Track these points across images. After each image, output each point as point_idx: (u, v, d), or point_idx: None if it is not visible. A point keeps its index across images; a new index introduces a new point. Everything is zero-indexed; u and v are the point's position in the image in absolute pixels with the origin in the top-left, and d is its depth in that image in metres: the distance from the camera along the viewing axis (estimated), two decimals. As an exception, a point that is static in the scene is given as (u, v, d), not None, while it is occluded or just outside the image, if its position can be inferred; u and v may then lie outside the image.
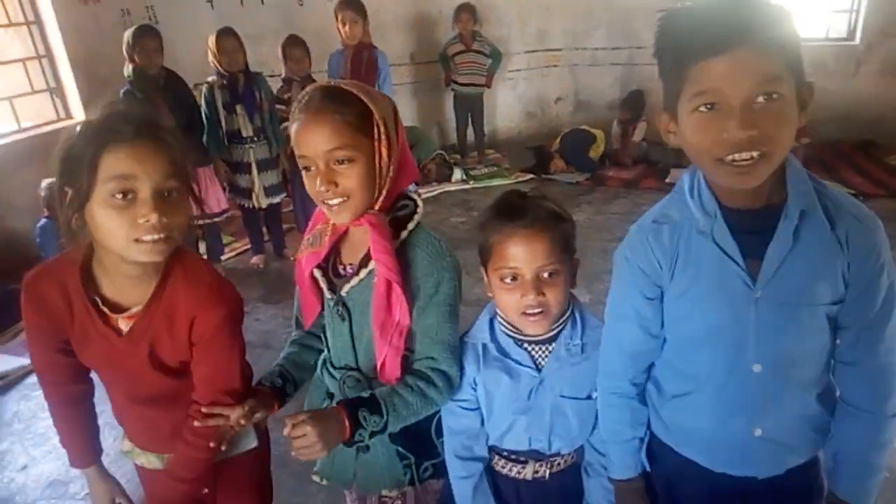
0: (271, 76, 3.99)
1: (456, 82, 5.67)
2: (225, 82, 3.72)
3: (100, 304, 1.12)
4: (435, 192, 5.18)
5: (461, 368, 1.20)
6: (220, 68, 3.71)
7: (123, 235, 1.03)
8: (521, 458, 1.22)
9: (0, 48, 4.47)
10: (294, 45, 3.86)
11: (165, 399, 1.21)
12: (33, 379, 2.87)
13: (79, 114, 4.78)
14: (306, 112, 1.11)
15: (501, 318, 1.19)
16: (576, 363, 1.17)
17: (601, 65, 6.43)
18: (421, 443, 1.27)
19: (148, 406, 1.22)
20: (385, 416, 1.12)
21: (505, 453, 1.24)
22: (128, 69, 3.48)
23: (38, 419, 2.72)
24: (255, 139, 3.78)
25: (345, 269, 1.21)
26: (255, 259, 4.07)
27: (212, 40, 3.71)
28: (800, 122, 0.91)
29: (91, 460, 1.33)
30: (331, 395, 1.30)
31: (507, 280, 1.11)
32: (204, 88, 3.81)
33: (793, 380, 1.02)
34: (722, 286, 0.99)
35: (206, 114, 3.78)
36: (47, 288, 1.12)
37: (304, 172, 1.14)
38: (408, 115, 5.92)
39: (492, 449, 1.25)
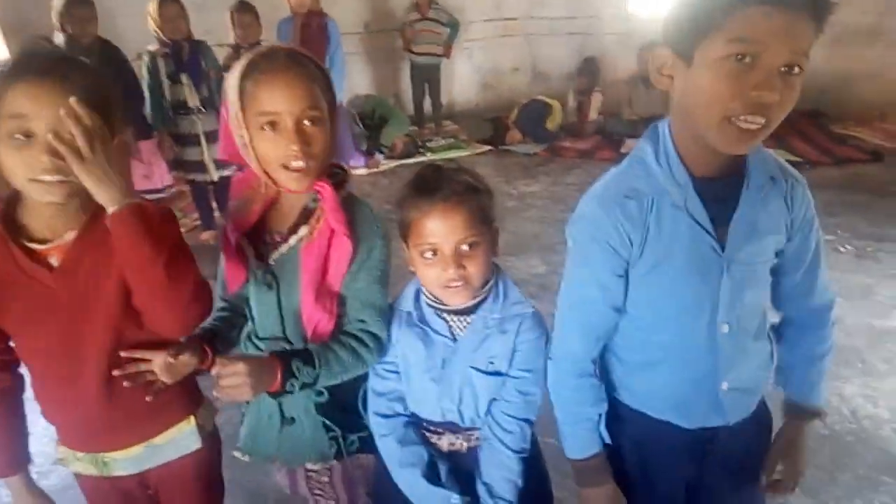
0: (218, 45, 3.82)
1: (412, 52, 5.57)
2: (168, 51, 3.55)
3: (26, 243, 1.05)
4: (392, 166, 5.10)
5: (389, 332, 1.21)
6: (161, 36, 3.54)
7: (21, 174, 0.98)
8: (438, 430, 1.23)
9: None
10: (243, 11, 3.71)
11: (103, 362, 1.08)
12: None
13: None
14: (272, 68, 1.07)
15: (424, 290, 1.20)
16: (491, 336, 1.17)
17: (558, 34, 6.41)
18: (347, 415, 1.25)
19: (81, 378, 1.09)
20: (317, 369, 1.11)
21: (424, 423, 1.25)
22: (58, 38, 3.29)
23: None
24: (203, 110, 3.62)
25: (272, 237, 1.18)
26: (205, 235, 3.94)
27: (153, 7, 3.53)
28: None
29: (17, 468, 1.19)
30: None
31: (428, 255, 1.11)
32: (146, 58, 3.63)
33: (750, 332, 1.08)
34: (695, 257, 1.01)
35: (148, 85, 3.60)
36: None
37: (260, 132, 1.07)
38: (363, 86, 5.80)
39: (419, 421, 1.25)
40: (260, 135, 1.08)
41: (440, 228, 1.08)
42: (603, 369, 1.18)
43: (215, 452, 1.32)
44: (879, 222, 3.75)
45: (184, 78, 3.57)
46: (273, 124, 1.07)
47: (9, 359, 1.15)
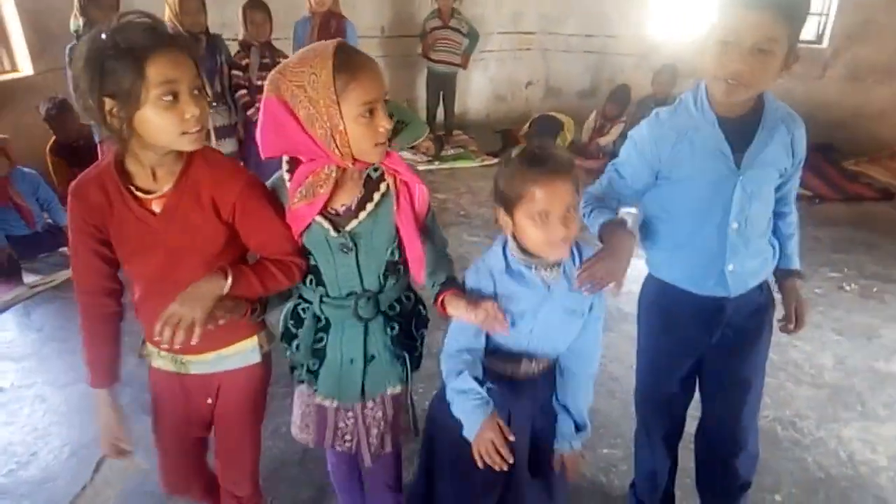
0: (231, 40, 3.82)
1: (430, 59, 5.57)
2: (184, 43, 3.55)
3: (134, 191, 1.29)
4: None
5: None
6: (179, 29, 3.53)
7: (173, 130, 1.20)
8: (516, 359, 1.47)
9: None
10: (256, 8, 3.68)
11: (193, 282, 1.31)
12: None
13: (26, 66, 4.53)
14: (361, 63, 1.24)
15: (515, 250, 1.38)
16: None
17: (574, 52, 6.40)
18: (406, 340, 1.51)
19: (176, 289, 1.28)
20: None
21: (505, 352, 1.47)
22: (76, 23, 3.27)
23: None
24: (215, 104, 3.61)
25: (337, 213, 1.37)
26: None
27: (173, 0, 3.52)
28: (780, 75, 1.36)
29: (109, 382, 1.43)
30: (324, 329, 1.47)
31: (540, 218, 1.29)
32: (160, 49, 3.63)
33: (755, 231, 1.51)
34: (715, 174, 1.45)
35: (162, 75, 3.61)
36: (89, 189, 1.30)
37: (359, 119, 1.24)
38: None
39: (491, 352, 1.47)
40: (358, 121, 1.23)
41: (552, 195, 1.28)
42: (646, 253, 1.65)
43: (267, 371, 1.55)
44: (887, 262, 3.71)
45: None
46: (372, 112, 1.24)
47: (118, 288, 1.42)
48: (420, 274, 1.42)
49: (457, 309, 1.37)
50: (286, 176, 1.35)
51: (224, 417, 1.53)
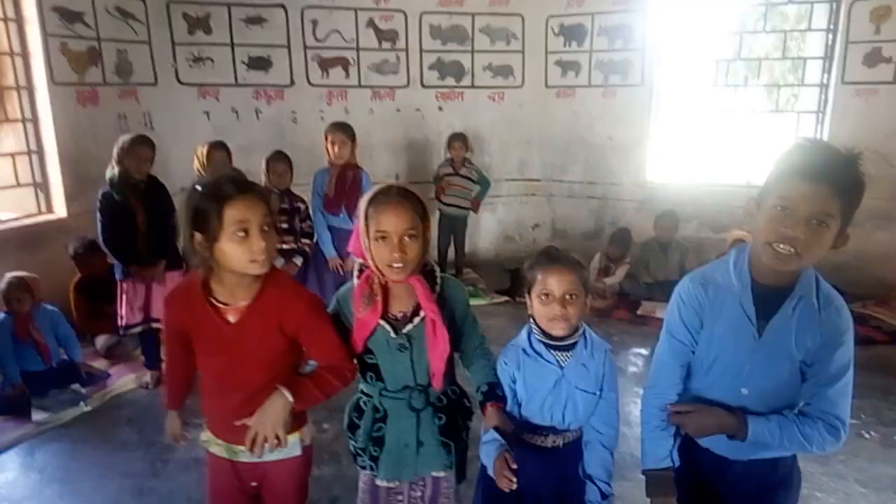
0: (257, 187, 4.06)
1: (442, 202, 5.87)
2: (210, 190, 3.79)
3: (214, 302, 1.61)
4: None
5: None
6: (205, 176, 3.79)
7: (244, 259, 1.52)
8: (544, 432, 1.76)
9: (-7, 142, 4.54)
10: (278, 160, 3.95)
11: (251, 388, 1.62)
12: None
13: (60, 209, 4.79)
14: (387, 200, 1.59)
15: (535, 330, 1.74)
16: (587, 364, 1.72)
17: (577, 197, 6.71)
18: (453, 432, 1.78)
19: (235, 392, 1.63)
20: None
21: (532, 427, 1.76)
22: (112, 171, 3.53)
23: None
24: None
25: (395, 318, 1.69)
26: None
27: (202, 150, 3.81)
28: (829, 252, 1.35)
29: (177, 406, 1.89)
30: (382, 419, 1.75)
31: (543, 298, 1.68)
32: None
33: (769, 404, 1.50)
34: (737, 334, 1.48)
35: (186, 219, 3.82)
36: (177, 299, 1.69)
37: (375, 241, 1.59)
38: (389, 232, 6.02)
39: (523, 425, 1.76)
40: (375, 243, 1.59)
41: (554, 280, 1.66)
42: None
43: (308, 461, 1.83)
44: (904, 409, 3.63)
45: (221, 216, 3.79)
46: (384, 238, 1.58)
47: (193, 365, 1.77)
48: (438, 382, 1.70)
49: (490, 422, 1.68)
50: (356, 282, 1.68)
51: (270, 500, 1.80)
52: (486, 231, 6.88)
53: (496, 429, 1.68)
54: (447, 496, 1.83)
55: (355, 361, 1.73)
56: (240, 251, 1.50)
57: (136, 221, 3.58)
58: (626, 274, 5.54)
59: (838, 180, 1.28)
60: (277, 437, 1.55)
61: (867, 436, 3.33)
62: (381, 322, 1.66)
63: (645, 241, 5.64)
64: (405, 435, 1.73)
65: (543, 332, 1.71)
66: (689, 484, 1.63)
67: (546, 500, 1.77)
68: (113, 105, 5.14)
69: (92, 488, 2.87)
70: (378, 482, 1.78)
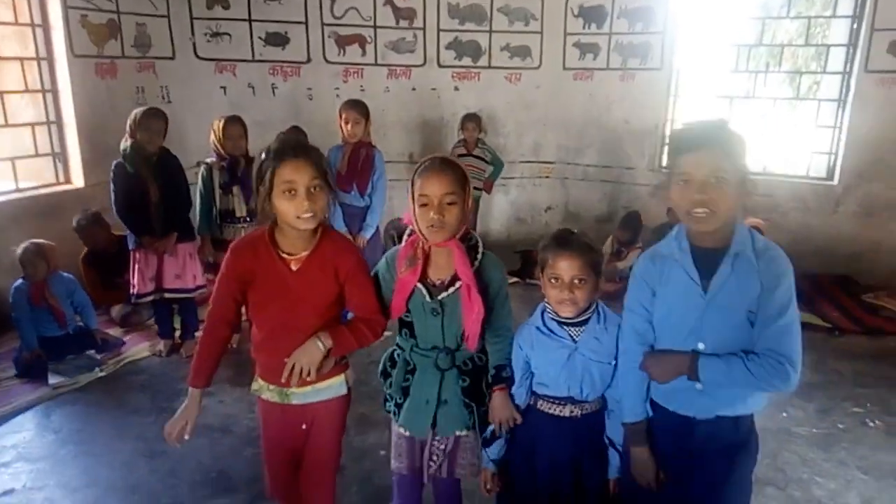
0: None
1: (453, 182, 5.86)
2: (225, 164, 3.84)
3: (280, 252, 1.79)
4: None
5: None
6: (221, 151, 3.83)
7: (291, 214, 1.71)
8: (562, 402, 1.85)
9: (13, 111, 4.62)
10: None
11: (307, 331, 1.79)
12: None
13: (78, 179, 4.87)
14: (431, 167, 1.76)
15: (549, 309, 1.84)
16: (600, 338, 1.81)
17: (591, 180, 6.68)
18: (477, 395, 1.90)
19: (292, 334, 1.79)
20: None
21: (550, 398, 1.85)
22: (125, 143, 3.59)
23: None
24: (248, 220, 3.87)
25: (434, 284, 1.83)
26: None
27: (218, 125, 3.84)
28: (743, 199, 1.56)
29: (203, 385, 1.87)
30: (412, 371, 1.91)
31: (553, 281, 1.78)
32: (202, 169, 3.92)
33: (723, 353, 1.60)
34: (685, 295, 1.63)
35: (200, 192, 3.88)
36: (245, 250, 1.82)
37: (419, 208, 1.75)
38: (402, 211, 6.03)
39: (541, 396, 1.86)
40: (419, 209, 1.75)
41: (562, 265, 1.76)
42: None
43: (348, 401, 2.00)
44: (911, 399, 3.62)
45: (235, 190, 3.85)
46: (426, 203, 1.73)
47: (237, 323, 1.91)
48: (472, 344, 1.82)
49: (497, 411, 1.85)
50: (400, 245, 1.84)
51: (316, 437, 1.95)
52: (499, 212, 6.88)
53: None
54: (467, 449, 1.95)
55: (388, 318, 1.91)
56: (289, 207, 1.69)
57: (148, 193, 3.63)
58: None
59: (717, 141, 1.53)
60: (309, 372, 1.74)
61: (871, 424, 3.33)
62: (419, 285, 1.80)
63: (657, 226, 5.61)
64: (428, 390, 1.87)
65: (554, 311, 1.82)
66: (662, 448, 1.75)
67: (561, 468, 1.85)
68: (131, 78, 5.19)
69: (105, 450, 2.96)
70: (394, 426, 1.98)
